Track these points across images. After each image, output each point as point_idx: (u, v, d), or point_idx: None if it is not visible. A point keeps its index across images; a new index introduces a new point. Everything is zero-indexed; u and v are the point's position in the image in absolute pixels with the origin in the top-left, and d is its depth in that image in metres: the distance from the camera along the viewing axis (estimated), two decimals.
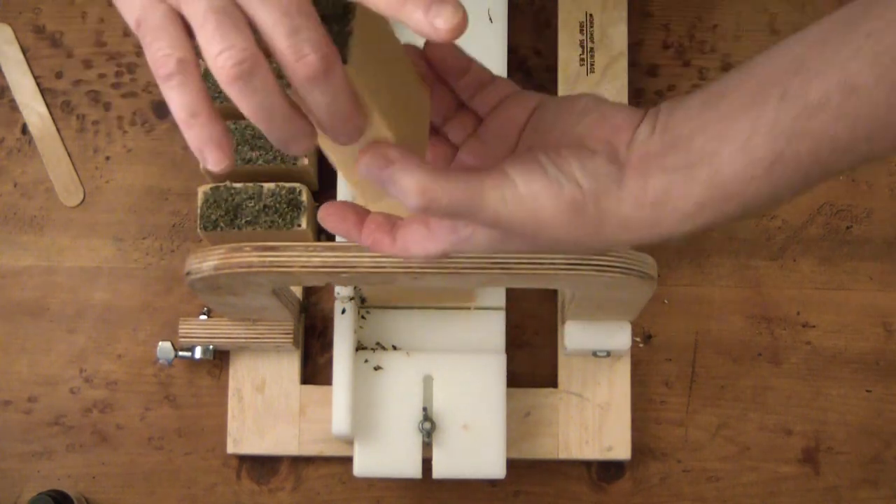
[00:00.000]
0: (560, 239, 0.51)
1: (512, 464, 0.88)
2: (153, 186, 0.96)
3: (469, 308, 0.90)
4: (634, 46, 0.96)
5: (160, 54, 0.46)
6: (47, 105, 0.97)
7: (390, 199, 0.51)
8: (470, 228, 0.53)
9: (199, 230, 0.86)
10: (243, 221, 0.86)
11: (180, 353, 0.90)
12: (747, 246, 0.95)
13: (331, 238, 0.90)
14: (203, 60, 0.46)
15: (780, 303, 0.94)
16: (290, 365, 0.91)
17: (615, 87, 0.92)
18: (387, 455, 0.86)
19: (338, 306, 0.87)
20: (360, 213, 0.54)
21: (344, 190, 0.88)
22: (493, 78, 0.58)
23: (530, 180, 0.50)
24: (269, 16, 0.45)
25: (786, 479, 0.92)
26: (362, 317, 0.89)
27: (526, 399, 0.91)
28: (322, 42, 0.45)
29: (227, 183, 0.87)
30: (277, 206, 0.86)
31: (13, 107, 0.97)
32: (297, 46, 0.44)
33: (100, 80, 0.97)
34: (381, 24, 0.51)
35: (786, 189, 0.50)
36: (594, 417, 0.90)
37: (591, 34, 0.93)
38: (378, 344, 0.89)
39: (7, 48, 0.97)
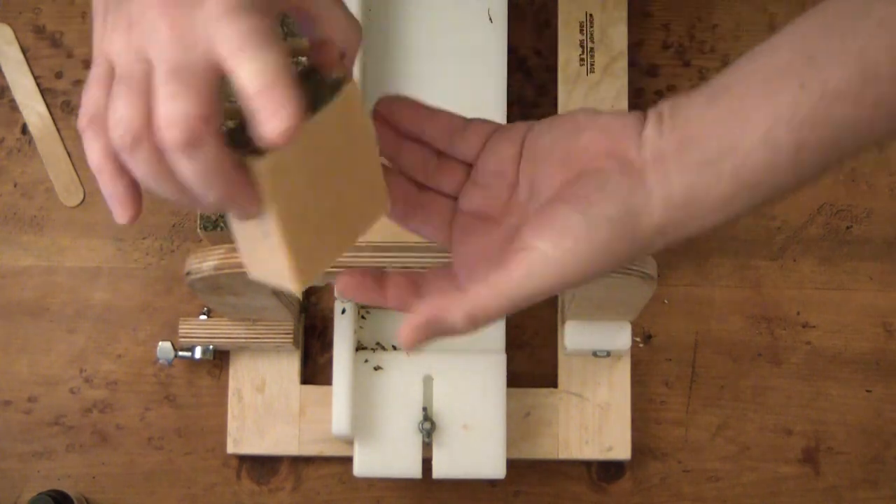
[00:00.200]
0: (602, 271, 0.51)
1: (512, 464, 0.88)
2: None
3: None
4: (634, 46, 0.96)
5: (81, 109, 0.48)
6: (47, 105, 0.97)
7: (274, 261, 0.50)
8: None
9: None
10: None
11: (180, 353, 0.90)
12: (747, 246, 0.95)
13: None
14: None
15: (780, 303, 0.94)
16: (290, 365, 0.91)
17: (615, 87, 0.92)
18: (387, 455, 0.86)
19: (338, 306, 0.87)
20: (378, 278, 0.55)
21: None
22: (468, 121, 0.57)
23: (559, 242, 0.50)
24: (162, 82, 0.45)
25: (786, 479, 0.92)
26: (362, 317, 0.89)
27: (526, 399, 0.91)
28: (191, 116, 0.44)
29: None
30: None
31: (13, 107, 0.97)
32: (169, 114, 0.44)
33: None
34: (347, 122, 0.50)
35: (811, 172, 0.51)
36: (594, 417, 0.90)
37: (591, 34, 0.93)
38: (378, 344, 0.89)
39: (7, 48, 0.97)
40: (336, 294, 0.54)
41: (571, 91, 0.91)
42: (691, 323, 0.94)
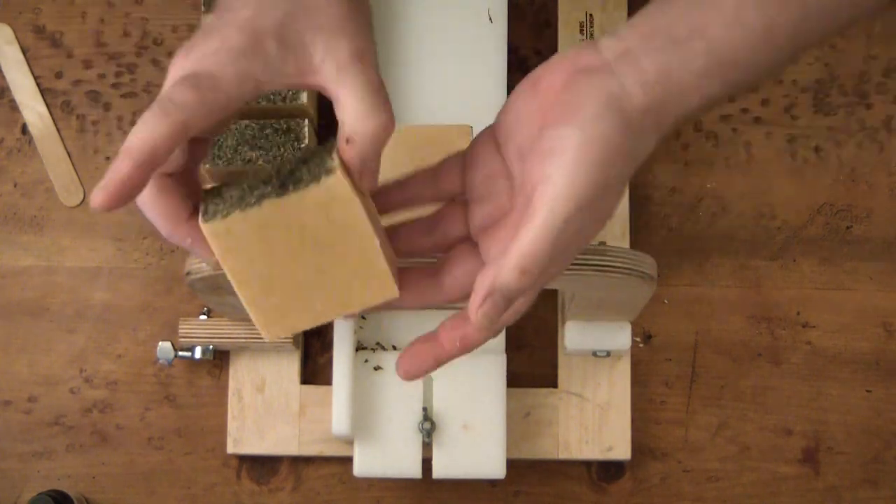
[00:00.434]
0: (617, 170, 0.51)
1: (512, 464, 0.88)
2: None
3: None
4: None
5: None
6: (47, 105, 0.97)
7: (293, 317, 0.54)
8: None
9: None
10: None
11: (180, 353, 0.90)
12: (747, 246, 0.95)
13: None
14: None
15: (780, 303, 0.94)
16: (290, 365, 0.91)
17: None
18: (387, 455, 0.86)
19: None
20: (429, 339, 0.56)
21: None
22: (440, 162, 0.58)
23: (563, 159, 0.50)
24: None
25: (786, 479, 0.92)
26: (362, 317, 0.89)
27: (526, 399, 0.91)
28: (111, 177, 0.48)
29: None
30: None
31: (13, 107, 0.97)
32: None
33: (100, 80, 0.97)
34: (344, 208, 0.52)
35: (784, 53, 0.52)
36: (594, 417, 0.90)
37: (591, 34, 0.93)
38: (378, 344, 0.89)
39: (7, 48, 0.97)
40: (400, 376, 0.56)
41: None
42: (691, 323, 0.94)
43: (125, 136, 0.99)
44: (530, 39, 0.98)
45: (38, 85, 0.97)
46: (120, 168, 0.48)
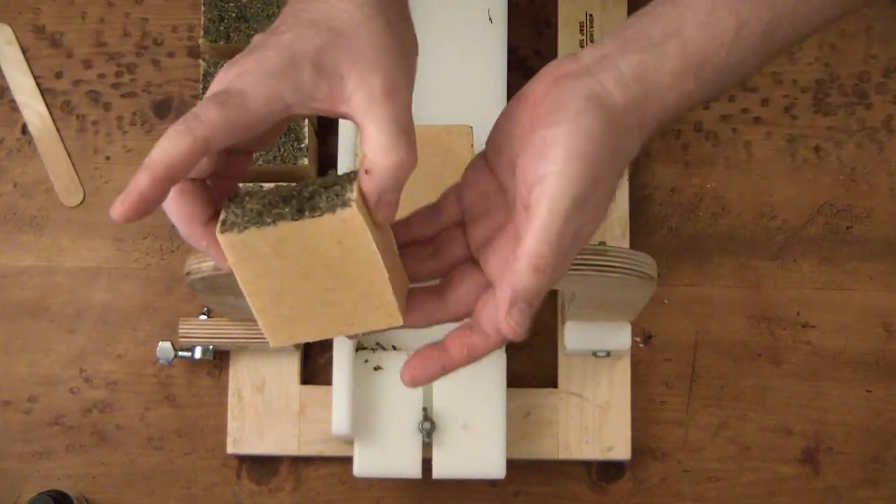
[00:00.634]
0: (608, 163, 0.52)
1: (512, 464, 0.88)
2: None
3: None
4: None
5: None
6: (47, 105, 0.97)
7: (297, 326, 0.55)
8: None
9: None
10: None
11: (180, 353, 0.90)
12: (747, 246, 0.95)
13: None
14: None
15: (780, 303, 0.94)
16: (290, 365, 0.91)
17: None
18: (387, 455, 0.86)
19: None
20: (436, 347, 0.57)
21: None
22: (439, 198, 0.59)
23: (555, 156, 0.51)
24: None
25: (786, 479, 0.92)
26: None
27: (526, 399, 0.91)
28: (130, 189, 0.49)
29: None
30: None
31: (13, 107, 0.97)
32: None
33: (100, 80, 0.97)
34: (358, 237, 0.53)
35: (756, 54, 0.54)
36: (594, 417, 0.90)
37: (591, 34, 0.93)
38: (378, 344, 0.89)
39: (7, 48, 0.97)
40: (406, 385, 0.58)
41: None
42: (691, 323, 0.94)
43: (125, 136, 1.00)
44: (530, 39, 0.98)
45: (38, 85, 0.97)
46: (139, 181, 0.49)
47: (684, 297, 0.94)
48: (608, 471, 0.92)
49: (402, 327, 0.57)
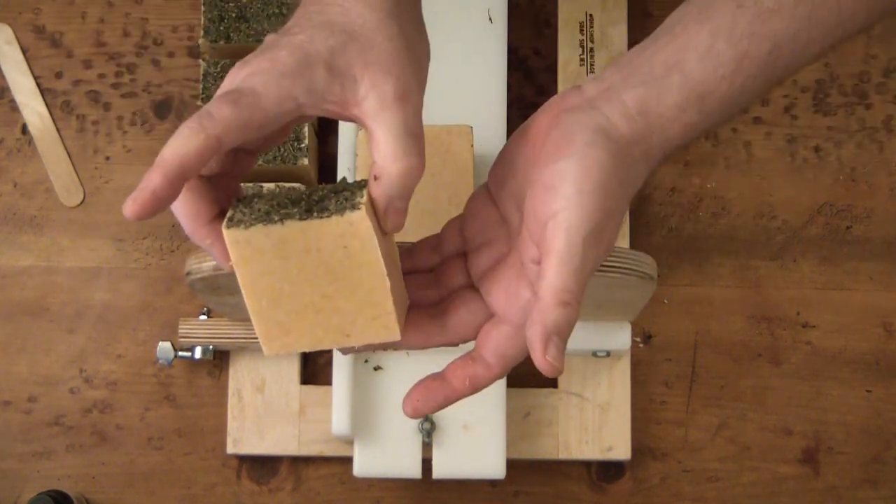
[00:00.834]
0: (618, 194, 0.53)
1: (512, 464, 0.88)
2: None
3: None
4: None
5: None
6: (47, 105, 0.97)
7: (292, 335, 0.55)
8: None
9: None
10: None
11: (180, 354, 0.90)
12: (747, 246, 0.95)
13: None
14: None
15: (780, 303, 0.94)
16: (290, 365, 0.91)
17: None
18: (387, 455, 0.86)
19: None
20: (438, 378, 0.57)
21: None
22: (442, 229, 0.59)
23: (566, 190, 0.51)
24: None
25: (786, 479, 0.92)
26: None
27: (526, 399, 0.91)
28: (143, 187, 0.48)
29: None
30: None
31: (13, 107, 0.97)
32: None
33: (100, 80, 0.97)
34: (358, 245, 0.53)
35: (757, 84, 0.54)
36: (594, 417, 0.90)
37: (591, 34, 0.93)
38: None
39: (7, 48, 0.97)
40: (408, 415, 0.58)
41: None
42: (691, 323, 0.94)
43: (125, 136, 1.00)
44: (530, 39, 0.98)
45: (38, 85, 0.97)
46: (151, 179, 0.49)
47: (684, 297, 0.94)
48: (608, 471, 0.92)
49: (398, 347, 0.57)
